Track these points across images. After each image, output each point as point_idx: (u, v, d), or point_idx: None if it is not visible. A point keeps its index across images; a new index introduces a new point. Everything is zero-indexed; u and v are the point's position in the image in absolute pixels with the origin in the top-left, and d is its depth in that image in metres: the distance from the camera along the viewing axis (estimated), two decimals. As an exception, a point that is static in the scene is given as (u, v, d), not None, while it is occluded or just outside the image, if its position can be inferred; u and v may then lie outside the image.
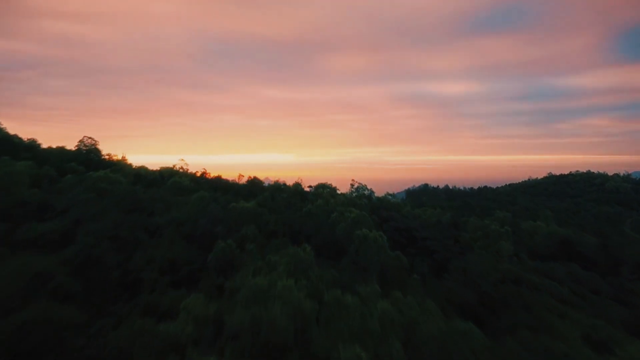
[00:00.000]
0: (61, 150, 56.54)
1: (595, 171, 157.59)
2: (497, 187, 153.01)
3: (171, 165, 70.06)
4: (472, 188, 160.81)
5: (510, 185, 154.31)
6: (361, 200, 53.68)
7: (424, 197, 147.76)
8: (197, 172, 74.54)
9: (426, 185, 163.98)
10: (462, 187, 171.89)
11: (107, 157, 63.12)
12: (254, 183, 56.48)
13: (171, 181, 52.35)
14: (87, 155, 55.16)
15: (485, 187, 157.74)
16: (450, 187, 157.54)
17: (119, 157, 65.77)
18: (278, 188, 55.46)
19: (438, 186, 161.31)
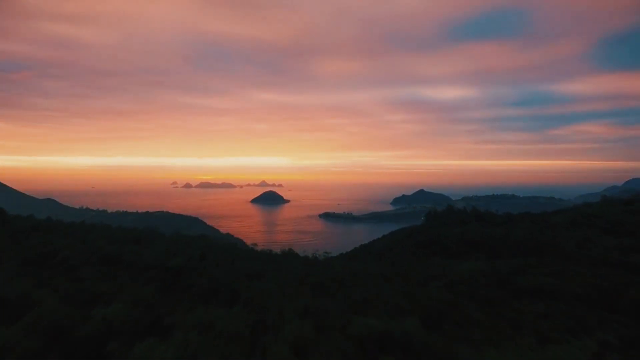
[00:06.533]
0: None
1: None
2: (544, 214, 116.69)
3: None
4: (509, 213, 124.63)
5: (554, 213, 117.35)
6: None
7: (456, 228, 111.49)
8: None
9: (450, 207, 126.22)
10: (488, 208, 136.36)
11: None
12: None
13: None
14: None
15: (528, 212, 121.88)
16: (481, 211, 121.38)
17: None
18: None
19: (465, 208, 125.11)
